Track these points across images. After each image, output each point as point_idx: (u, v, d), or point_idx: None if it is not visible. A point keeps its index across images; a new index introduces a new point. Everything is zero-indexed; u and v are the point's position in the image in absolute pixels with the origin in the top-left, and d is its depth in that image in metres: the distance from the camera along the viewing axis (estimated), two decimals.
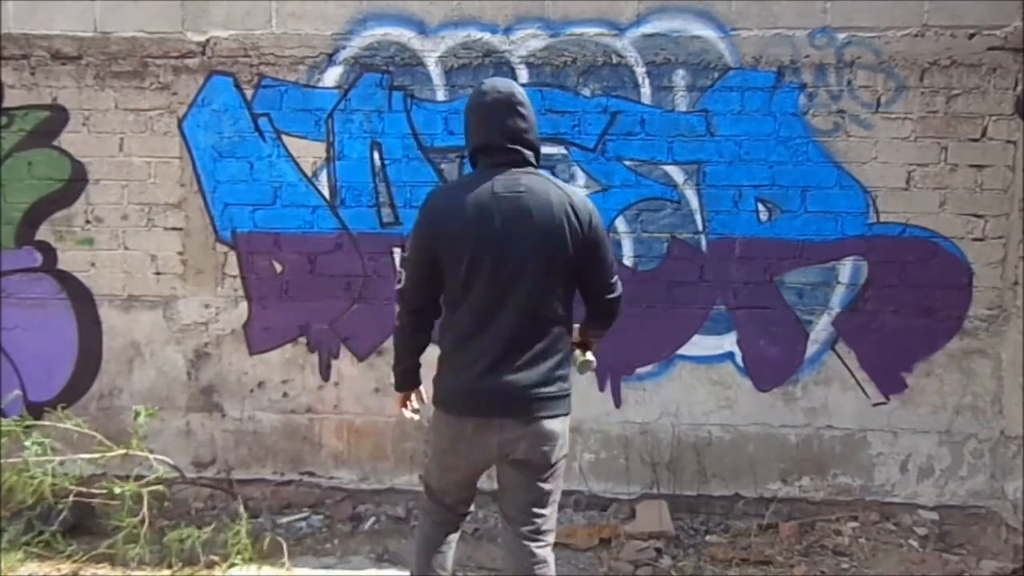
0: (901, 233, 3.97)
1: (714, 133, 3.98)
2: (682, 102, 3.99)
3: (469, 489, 2.74)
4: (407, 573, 3.55)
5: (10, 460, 3.66)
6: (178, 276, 4.23)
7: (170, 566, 3.61)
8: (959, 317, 3.99)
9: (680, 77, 3.97)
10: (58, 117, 4.18)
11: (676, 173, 4.02)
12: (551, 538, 2.68)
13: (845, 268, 4.01)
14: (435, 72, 4.04)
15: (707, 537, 3.96)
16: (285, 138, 4.12)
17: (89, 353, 4.28)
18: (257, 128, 4.12)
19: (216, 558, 3.66)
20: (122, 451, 3.75)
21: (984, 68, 3.85)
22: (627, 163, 4.03)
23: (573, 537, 3.89)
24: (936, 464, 4.08)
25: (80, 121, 4.18)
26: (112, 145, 4.18)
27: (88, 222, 4.23)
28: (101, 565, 3.65)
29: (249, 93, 4.10)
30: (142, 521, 3.59)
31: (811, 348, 4.06)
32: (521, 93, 2.54)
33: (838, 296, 4.03)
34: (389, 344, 4.10)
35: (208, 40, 4.08)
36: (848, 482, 4.11)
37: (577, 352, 2.73)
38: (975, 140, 3.90)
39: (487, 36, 4.00)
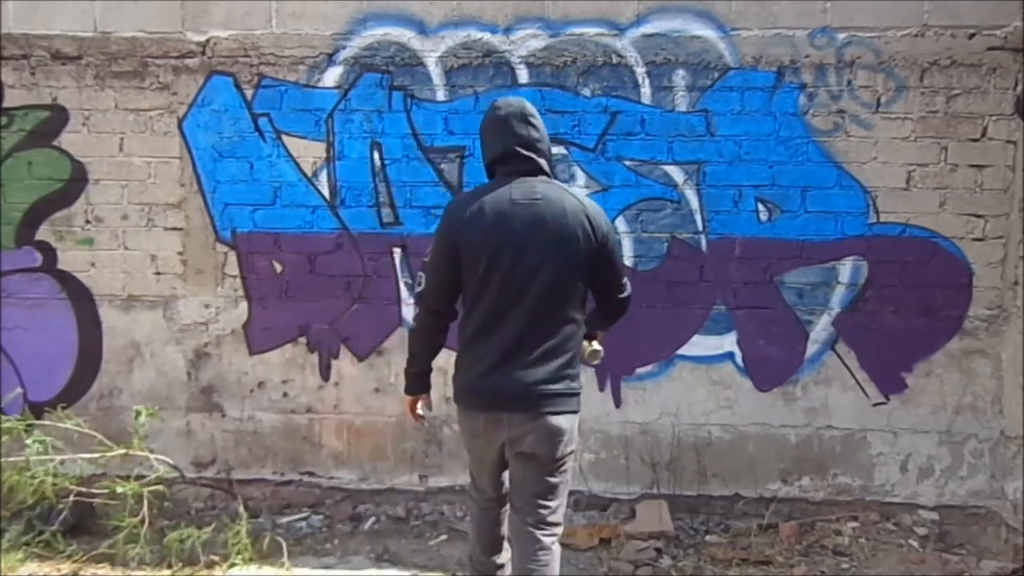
0: (901, 233, 3.97)
1: (714, 133, 3.98)
2: (682, 102, 3.99)
3: (495, 478, 2.85)
4: (407, 573, 3.57)
5: (10, 460, 3.66)
6: (178, 276, 4.23)
7: (170, 566, 3.61)
8: (959, 317, 3.99)
9: (680, 77, 3.97)
10: (58, 117, 4.18)
11: (676, 173, 4.02)
12: (558, 531, 2.77)
13: (845, 268, 4.01)
14: (435, 72, 4.04)
15: (707, 537, 3.96)
16: (285, 138, 4.12)
17: (89, 353, 4.28)
18: (257, 128, 4.12)
19: (216, 558, 3.66)
20: (122, 451, 3.75)
21: (984, 68, 3.85)
22: (627, 163, 4.03)
23: (573, 537, 3.88)
24: (936, 464, 4.08)
25: (80, 121, 4.18)
26: (112, 145, 4.18)
27: (88, 222, 4.23)
28: (101, 565, 3.65)
29: (249, 93, 4.10)
30: (142, 521, 3.59)
31: (811, 348, 4.06)
32: (531, 106, 2.70)
33: (838, 296, 4.03)
34: (389, 344, 4.16)
35: (208, 40, 4.08)
36: (848, 482, 4.11)
37: (585, 343, 2.83)
38: (975, 140, 3.90)
39: (487, 36, 4.00)
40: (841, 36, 3.89)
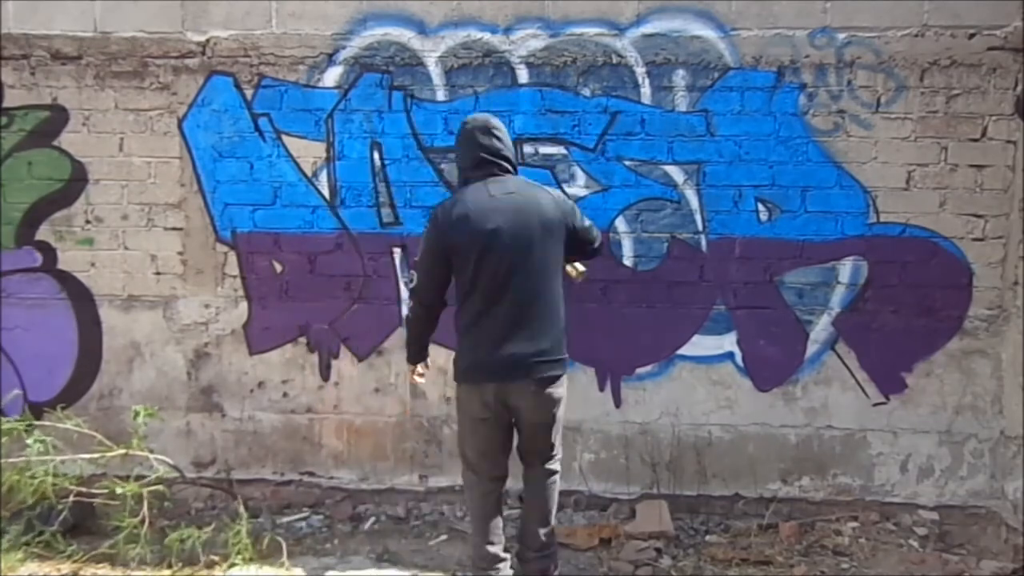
0: (901, 233, 3.97)
1: (714, 133, 3.98)
2: (682, 102, 3.99)
3: (504, 452, 3.30)
4: (407, 573, 3.57)
5: (10, 460, 3.66)
6: (178, 276, 4.23)
7: (170, 566, 3.61)
8: (959, 317, 3.99)
9: (680, 77, 3.97)
10: (58, 117, 4.18)
11: (676, 173, 4.02)
12: (559, 457, 3.39)
13: (845, 268, 4.01)
14: (435, 72, 4.04)
15: (707, 537, 3.96)
16: (285, 138, 4.12)
17: (89, 353, 4.28)
18: (257, 128, 4.12)
19: (216, 558, 3.66)
20: (122, 451, 3.75)
21: (984, 68, 3.85)
22: (627, 163, 4.03)
23: (573, 537, 3.89)
24: (936, 464, 4.08)
25: (80, 121, 4.18)
26: (112, 145, 4.18)
27: (88, 222, 4.23)
28: (101, 565, 3.65)
29: (249, 93, 4.10)
30: (142, 521, 3.59)
31: (811, 348, 4.06)
32: (495, 120, 3.22)
33: (838, 296, 4.03)
34: (389, 344, 4.16)
35: (208, 40, 4.08)
36: (848, 482, 4.11)
37: (569, 268, 3.37)
38: (975, 140, 3.90)
39: (487, 36, 4.00)
40: (841, 36, 3.89)
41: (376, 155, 4.10)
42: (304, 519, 4.15)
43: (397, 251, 4.14)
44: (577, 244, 3.26)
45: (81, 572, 3.63)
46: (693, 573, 3.65)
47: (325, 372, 4.24)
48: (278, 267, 4.19)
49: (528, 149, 4.05)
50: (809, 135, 3.95)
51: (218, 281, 4.22)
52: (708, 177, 4.01)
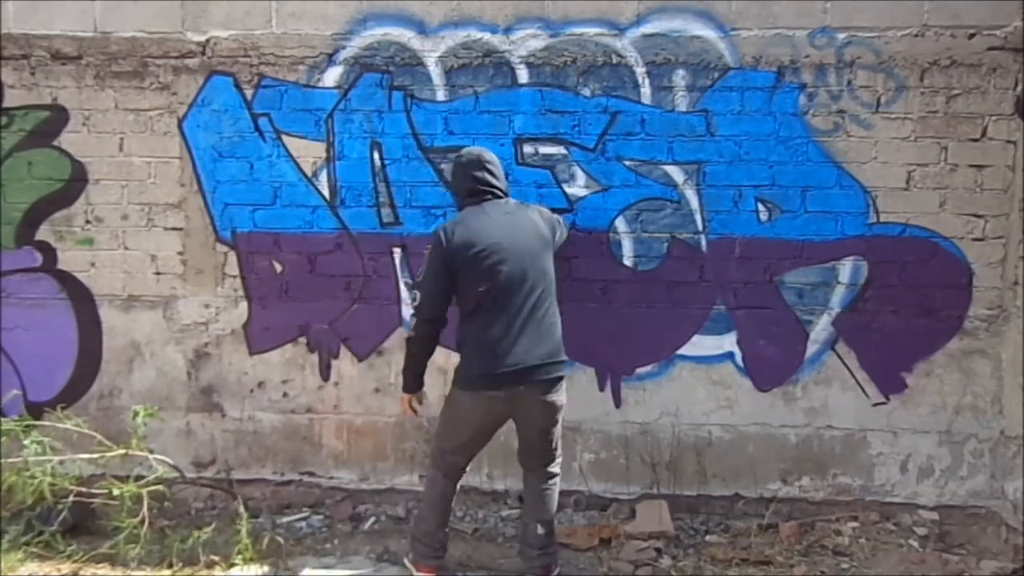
0: (901, 233, 3.97)
1: (714, 133, 3.98)
2: (682, 102, 3.99)
3: (480, 447, 3.50)
4: (407, 573, 3.57)
5: (10, 460, 3.66)
6: (178, 276, 4.23)
7: (170, 566, 3.61)
8: (959, 317, 3.99)
9: (680, 77, 3.97)
10: (58, 117, 4.18)
11: (676, 173, 4.02)
12: (559, 460, 3.53)
13: (845, 268, 4.01)
14: (435, 72, 4.04)
15: (707, 537, 3.96)
16: (285, 138, 4.12)
17: (89, 353, 4.28)
18: (257, 128, 4.12)
19: (216, 558, 3.66)
20: (122, 451, 3.75)
21: (984, 68, 3.85)
22: (627, 163, 4.03)
23: (573, 537, 3.89)
24: (936, 464, 4.08)
25: (80, 121, 4.18)
26: (112, 145, 4.18)
27: (88, 222, 4.23)
28: (101, 565, 3.65)
29: (249, 93, 4.10)
30: (142, 521, 3.59)
31: (811, 348, 4.06)
32: (488, 153, 3.48)
33: (838, 296, 4.03)
34: (389, 344, 4.16)
35: (208, 40, 4.08)
36: (848, 482, 4.11)
37: None
38: (975, 140, 3.90)
39: (487, 36, 4.00)
40: (841, 36, 3.89)
41: (376, 155, 4.10)
42: (304, 519, 4.15)
43: (397, 251, 4.14)
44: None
45: (81, 572, 3.63)
46: (693, 573, 3.65)
47: (325, 372, 4.24)
48: (278, 267, 4.19)
49: (528, 149, 4.05)
50: (809, 135, 3.95)
51: (218, 281, 4.22)
52: (708, 177, 4.01)
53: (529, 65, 4.00)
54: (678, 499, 4.12)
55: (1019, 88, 3.85)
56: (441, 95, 4.05)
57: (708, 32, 3.93)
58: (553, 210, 3.90)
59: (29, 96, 4.17)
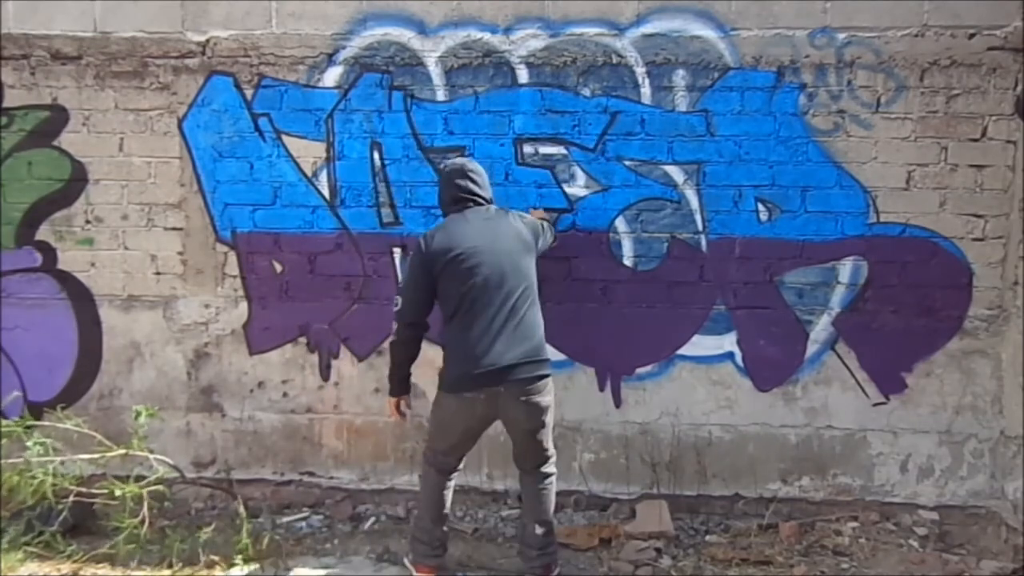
0: (901, 233, 3.97)
1: (714, 133, 3.98)
2: (682, 102, 3.98)
3: (471, 446, 3.53)
4: (407, 573, 3.57)
5: (10, 460, 3.66)
6: (178, 276, 4.23)
7: (170, 566, 3.61)
8: (959, 317, 3.99)
9: (680, 77, 3.97)
10: (58, 117, 4.18)
11: (676, 173, 4.02)
12: (553, 460, 3.53)
13: (845, 268, 4.01)
14: (435, 72, 4.04)
15: (707, 537, 3.96)
16: (285, 138, 4.12)
17: (89, 353, 4.28)
18: (257, 128, 4.12)
19: (216, 558, 3.66)
20: (122, 451, 3.75)
21: (984, 68, 3.85)
22: (627, 163, 4.03)
23: (573, 537, 3.89)
24: (936, 464, 4.08)
25: (80, 121, 4.18)
26: (112, 145, 4.18)
27: (88, 222, 4.23)
28: (101, 565, 3.65)
29: (249, 93, 4.10)
30: (142, 521, 3.59)
31: (811, 348, 4.06)
32: (471, 163, 3.58)
33: (838, 296, 4.03)
34: (389, 344, 4.14)
35: (208, 40, 4.08)
36: (848, 482, 4.11)
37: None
38: (975, 140, 3.90)
39: (487, 36, 4.00)
40: (841, 36, 3.89)
41: (376, 155, 4.10)
42: (304, 519, 4.15)
43: (397, 251, 4.14)
44: (543, 252, 3.63)
45: (81, 572, 3.63)
46: (693, 573, 3.65)
47: (325, 372, 4.24)
48: (278, 267, 4.19)
49: (528, 149, 4.05)
50: (809, 135, 3.95)
51: (218, 281, 4.22)
52: (708, 177, 4.01)
53: (529, 65, 4.00)
54: (678, 499, 4.12)
55: (1019, 88, 3.85)
56: (441, 95, 4.05)
57: (708, 32, 3.93)
58: (550, 210, 3.98)
59: (29, 96, 4.18)
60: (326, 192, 4.13)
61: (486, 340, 3.25)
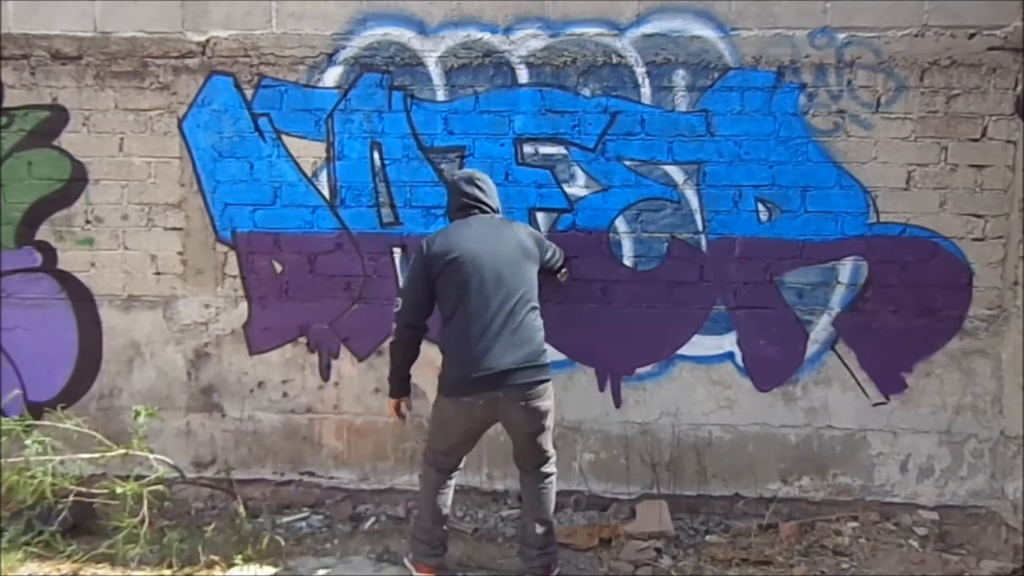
0: (901, 233, 3.97)
1: (714, 133, 3.98)
2: (682, 102, 3.99)
3: (471, 447, 3.53)
4: (407, 573, 3.57)
5: (10, 460, 3.66)
6: (178, 276, 4.23)
7: (170, 566, 3.61)
8: (959, 317, 3.99)
9: (680, 77, 3.97)
10: (58, 117, 4.18)
11: (676, 173, 4.02)
12: (553, 460, 3.53)
13: (845, 268, 4.01)
14: (435, 72, 4.04)
15: (707, 537, 3.96)
16: (285, 138, 4.12)
17: (89, 353, 4.28)
18: (257, 128, 4.12)
19: (216, 558, 3.66)
20: (122, 451, 3.75)
21: (984, 68, 3.85)
22: (627, 163, 4.03)
23: (573, 537, 3.89)
24: (936, 464, 4.08)
25: (80, 121, 4.18)
26: (112, 145, 4.18)
27: (88, 222, 4.23)
28: (101, 565, 3.65)
29: (249, 93, 4.10)
30: (142, 521, 3.59)
31: (811, 348, 4.06)
32: (479, 173, 3.60)
33: (838, 296, 4.03)
34: (389, 344, 4.14)
35: (208, 40, 4.09)
36: (848, 482, 4.11)
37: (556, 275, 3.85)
38: (975, 140, 3.90)
39: (487, 36, 4.00)
40: (841, 36, 3.89)
41: (376, 155, 4.10)
42: (304, 519, 4.15)
43: (397, 251, 4.14)
44: (546, 269, 3.62)
45: (81, 572, 3.63)
46: (693, 573, 3.65)
47: (325, 372, 4.24)
48: (278, 267, 4.19)
49: (528, 149, 4.05)
50: (809, 135, 3.95)
51: (218, 281, 4.22)
52: (708, 177, 4.01)
53: (529, 65, 4.00)
54: (678, 499, 4.12)
55: (1019, 88, 3.85)
56: (441, 95, 4.05)
57: (708, 32, 3.93)
58: (551, 210, 4.00)
59: (29, 96, 4.18)
60: (326, 192, 4.13)
61: (483, 342, 3.25)
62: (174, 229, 4.21)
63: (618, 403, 4.15)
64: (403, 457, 4.25)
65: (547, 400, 3.37)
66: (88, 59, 4.13)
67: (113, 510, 3.65)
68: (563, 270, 3.86)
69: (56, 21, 4.12)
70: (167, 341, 4.26)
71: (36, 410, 4.01)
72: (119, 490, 3.60)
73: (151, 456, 3.77)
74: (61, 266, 4.26)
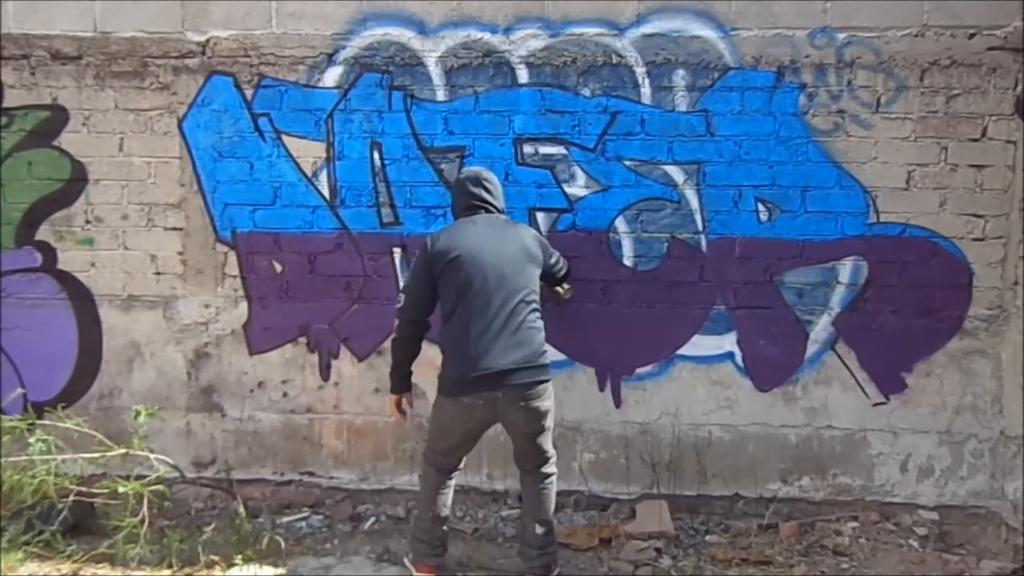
0: (901, 233, 3.97)
1: (714, 133, 3.98)
2: (682, 102, 3.99)
3: (471, 447, 3.53)
4: (407, 573, 3.57)
5: (10, 459, 3.66)
6: (178, 276, 4.23)
7: (170, 566, 3.61)
8: (959, 317, 3.99)
9: (680, 77, 3.97)
10: (58, 117, 4.18)
11: (676, 173, 4.02)
12: (553, 460, 3.53)
13: (845, 268, 4.01)
14: (435, 72, 4.04)
15: (707, 537, 3.96)
16: (285, 138, 4.12)
17: (89, 353, 4.28)
18: (257, 128, 4.12)
19: (216, 558, 3.66)
20: (123, 450, 3.75)
21: (984, 68, 3.85)
22: (627, 163, 4.03)
23: (573, 537, 3.89)
24: (936, 464, 4.08)
25: (80, 121, 4.18)
26: (112, 145, 4.18)
27: (88, 222, 4.23)
28: (101, 565, 3.65)
29: (249, 93, 4.10)
30: (142, 521, 3.59)
31: (811, 348, 4.06)
32: (486, 172, 3.58)
33: (838, 296, 4.03)
34: (389, 344, 4.13)
35: (208, 40, 4.09)
36: (848, 482, 4.11)
37: (558, 288, 3.85)
38: (975, 140, 3.90)
39: (487, 36, 4.00)
40: (841, 36, 3.89)
41: (376, 155, 4.10)
42: (304, 519, 4.15)
43: (397, 251, 4.14)
44: (548, 275, 3.62)
45: (81, 572, 3.63)
46: (693, 573, 3.65)
47: (325, 372, 4.24)
48: (278, 267, 4.19)
49: (528, 149, 4.05)
50: (809, 135, 3.95)
51: (218, 281, 4.22)
52: (708, 177, 4.01)
53: (529, 65, 4.00)
54: (678, 499, 4.12)
55: (1019, 88, 3.85)
56: (441, 95, 4.05)
57: (708, 32, 3.93)
58: (551, 210, 4.01)
59: (29, 96, 4.18)
60: (326, 192, 4.13)
61: (483, 342, 3.25)
62: (174, 229, 4.21)
63: (618, 403, 4.15)
64: (403, 457, 4.25)
65: (547, 400, 3.36)
66: (88, 59, 4.13)
67: (113, 510, 3.65)
68: (566, 286, 3.86)
69: (56, 21, 4.12)
70: (167, 341, 4.26)
71: (36, 410, 3.97)
72: (121, 489, 3.60)
73: (151, 456, 3.77)
74: (61, 266, 4.26)
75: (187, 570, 3.61)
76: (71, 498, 3.66)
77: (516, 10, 3.98)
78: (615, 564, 3.72)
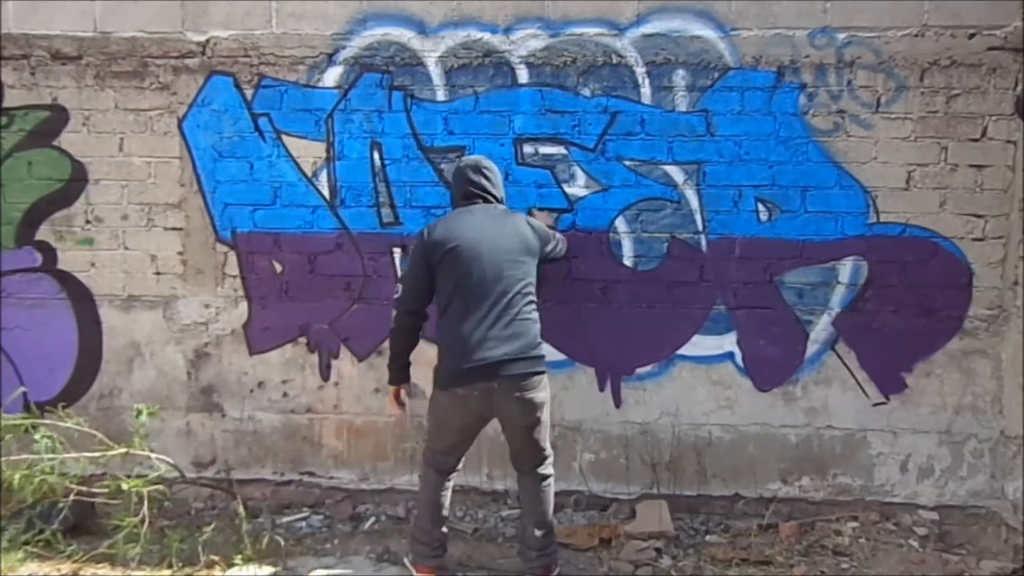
0: (901, 233, 3.97)
1: (714, 133, 3.98)
2: (682, 102, 3.99)
3: (468, 445, 3.52)
4: (407, 573, 3.57)
5: (11, 459, 3.66)
6: (178, 276, 4.23)
7: (170, 566, 3.61)
8: (959, 317, 3.99)
9: (680, 77, 3.97)
10: (58, 117, 4.18)
11: (676, 173, 4.02)
12: (551, 461, 3.51)
13: (845, 268, 4.01)
14: (435, 72, 4.04)
15: (707, 537, 3.96)
16: (285, 138, 4.12)
17: (89, 353, 4.28)
18: (257, 128, 4.12)
19: (216, 558, 3.66)
20: (123, 450, 3.75)
21: (984, 68, 3.85)
22: (627, 163, 4.03)
23: (573, 537, 3.89)
24: (936, 464, 4.08)
25: (80, 121, 4.18)
26: (112, 145, 4.18)
27: (88, 222, 4.23)
28: (101, 565, 3.65)
29: (249, 93, 4.10)
30: (142, 521, 3.59)
31: (811, 348, 4.06)
32: (486, 160, 3.58)
33: (838, 296, 4.03)
34: (389, 333, 4.15)
35: (208, 40, 4.09)
36: (848, 482, 4.11)
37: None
38: (975, 140, 3.90)
39: (487, 36, 4.00)
40: (841, 36, 3.89)
41: (376, 155, 4.10)
42: (304, 519, 4.16)
43: (397, 251, 4.14)
44: (546, 255, 3.58)
45: (81, 572, 3.63)
46: (693, 573, 3.65)
47: (325, 372, 4.24)
48: (278, 267, 4.19)
49: (528, 149, 4.05)
50: (809, 135, 3.95)
51: (218, 281, 4.22)
52: (708, 177, 4.01)
53: (529, 65, 4.00)
54: (678, 499, 4.12)
55: (1019, 88, 3.85)
56: (441, 95, 4.05)
57: (708, 32, 3.93)
58: (550, 210, 4.00)
59: (29, 96, 4.18)
60: (326, 192, 4.13)
61: (478, 333, 3.24)
62: (174, 229, 4.21)
63: (618, 403, 4.15)
64: (403, 457, 4.25)
65: (542, 392, 3.35)
66: (88, 59, 4.13)
67: (113, 510, 3.65)
68: (563, 253, 3.82)
69: (56, 21, 4.12)
70: (167, 341, 4.26)
71: (36, 410, 3.99)
72: (125, 487, 3.60)
73: (151, 456, 3.77)
74: (61, 266, 4.26)
75: (187, 570, 3.61)
76: (71, 497, 3.66)
77: (516, 10, 3.98)
78: (615, 564, 3.72)
